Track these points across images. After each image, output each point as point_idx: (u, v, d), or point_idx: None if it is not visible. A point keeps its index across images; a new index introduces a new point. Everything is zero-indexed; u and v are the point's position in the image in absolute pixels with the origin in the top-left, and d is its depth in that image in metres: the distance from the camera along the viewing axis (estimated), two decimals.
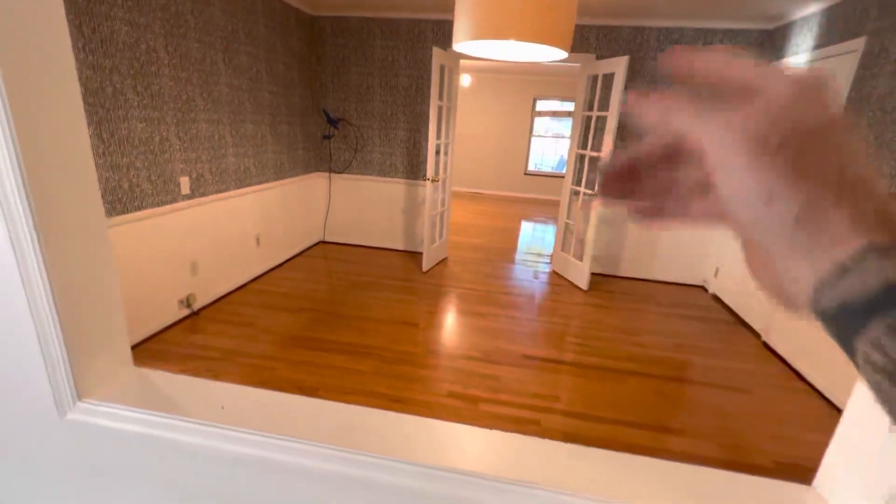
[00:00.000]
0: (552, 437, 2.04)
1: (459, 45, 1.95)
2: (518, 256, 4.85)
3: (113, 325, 0.95)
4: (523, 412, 2.21)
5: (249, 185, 3.45)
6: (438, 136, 3.87)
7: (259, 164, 3.55)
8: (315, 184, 4.53)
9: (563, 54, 1.95)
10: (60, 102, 0.75)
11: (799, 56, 3.10)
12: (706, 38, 3.61)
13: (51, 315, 0.79)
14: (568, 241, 4.22)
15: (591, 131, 3.79)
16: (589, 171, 3.93)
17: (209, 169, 2.98)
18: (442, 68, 3.63)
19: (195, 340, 2.66)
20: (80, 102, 0.77)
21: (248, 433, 0.83)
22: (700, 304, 3.78)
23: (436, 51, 3.41)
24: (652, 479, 0.74)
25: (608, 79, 3.54)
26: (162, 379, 0.97)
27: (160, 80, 2.51)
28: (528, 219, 6.89)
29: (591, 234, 3.77)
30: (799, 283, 0.20)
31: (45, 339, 0.81)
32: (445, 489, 0.76)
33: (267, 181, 3.68)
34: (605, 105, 3.61)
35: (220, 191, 3.10)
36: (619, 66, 3.34)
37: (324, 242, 4.76)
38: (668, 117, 0.23)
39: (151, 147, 2.49)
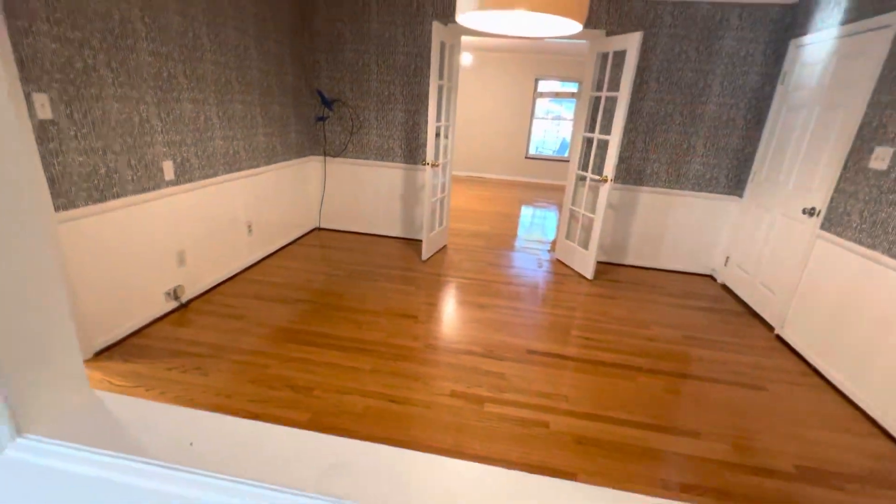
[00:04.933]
0: (562, 441, 1.93)
1: (463, 17, 1.77)
2: (520, 244, 4.70)
3: (62, 341, 0.80)
4: (530, 413, 2.10)
5: (240, 169, 3.27)
6: (438, 119, 3.68)
7: (249, 148, 3.36)
8: (309, 168, 4.35)
9: (578, 27, 1.76)
10: None
11: (824, 33, 2.90)
12: (723, 13, 3.39)
13: None
14: (573, 228, 4.07)
15: (600, 113, 3.60)
16: (596, 156, 3.76)
17: (195, 153, 2.80)
18: (442, 45, 3.41)
19: (183, 335, 2.52)
20: (3, 77, 0.60)
21: (219, 478, 0.69)
22: (709, 293, 3.65)
23: (436, 25, 3.19)
24: None
25: (619, 56, 3.34)
26: (121, 405, 0.82)
27: (137, 56, 2.31)
28: (530, 204, 6.72)
29: (597, 222, 3.62)
30: None
31: None
32: None
33: (258, 165, 3.50)
34: (615, 85, 3.42)
35: (207, 176, 2.93)
36: (631, 42, 3.13)
37: (319, 229, 4.60)
38: None
39: (130, 129, 2.31)
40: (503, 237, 4.88)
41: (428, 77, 3.88)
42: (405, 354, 2.49)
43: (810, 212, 2.81)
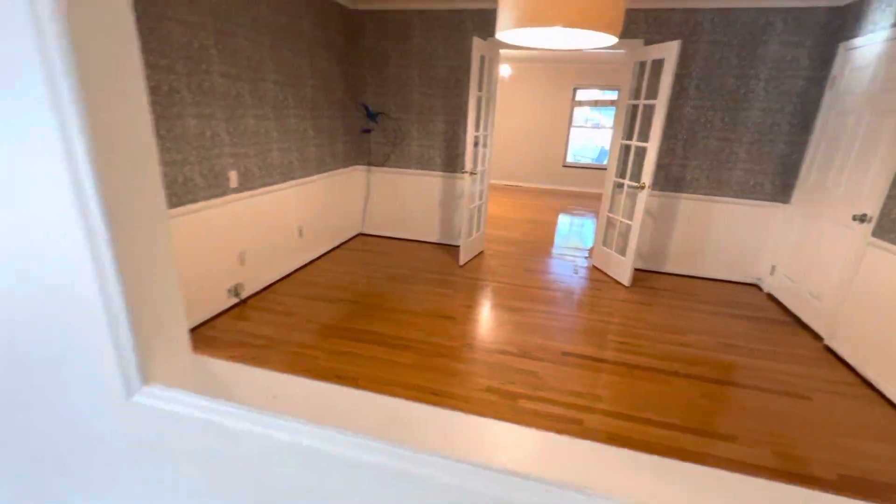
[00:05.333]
0: (595, 438, 1.99)
1: (503, 34, 1.91)
2: (556, 251, 4.75)
3: (173, 312, 0.99)
4: (564, 410, 2.17)
5: (293, 178, 3.55)
6: (477, 129, 3.83)
7: (302, 158, 3.64)
8: (354, 177, 4.61)
9: (612, 39, 1.87)
10: (129, 104, 0.78)
11: (876, 35, 2.83)
12: (767, 18, 3.36)
13: (121, 304, 0.84)
14: (610, 235, 4.09)
15: (638, 120, 3.63)
16: (634, 163, 3.78)
17: (256, 163, 3.08)
18: (482, 59, 3.57)
19: (242, 328, 2.78)
20: (146, 103, 0.80)
21: (299, 423, 0.84)
22: (753, 302, 3.56)
23: (476, 41, 3.36)
24: (708, 490, 0.70)
25: (657, 65, 3.37)
26: (217, 366, 1.01)
27: (211, 78, 2.61)
28: (567, 212, 6.73)
29: (635, 228, 3.63)
30: None
31: (115, 326, 0.86)
32: (490, 489, 0.75)
33: (309, 174, 3.77)
34: (653, 92, 3.45)
35: (266, 184, 3.21)
36: (669, 51, 3.17)
37: (362, 235, 4.85)
38: None
39: (203, 142, 2.61)
40: (539, 244, 4.94)
41: (467, 89, 4.05)
42: (443, 352, 2.63)
43: (861, 218, 2.73)
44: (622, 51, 3.73)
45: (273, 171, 3.29)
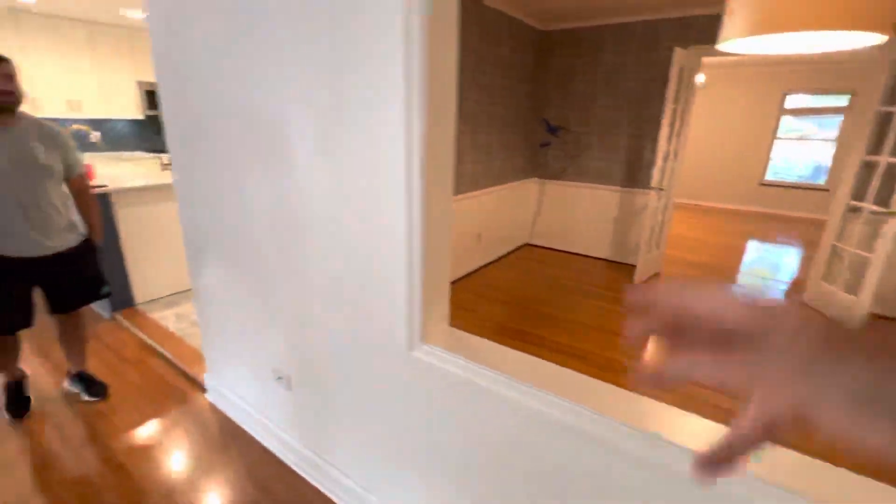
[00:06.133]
0: None
1: (729, 44, 1.80)
2: (745, 279, 4.13)
3: (444, 286, 1.24)
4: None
5: (478, 188, 3.89)
6: (668, 142, 3.61)
7: (487, 171, 3.96)
8: (527, 188, 4.79)
9: (880, 39, 1.60)
10: (445, 125, 1.05)
11: None
12: None
13: (419, 274, 1.10)
14: (835, 268, 3.39)
15: (893, 131, 2.96)
16: (883, 184, 3.07)
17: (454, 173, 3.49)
18: (681, 70, 3.38)
19: None
20: (454, 123, 1.06)
21: (531, 388, 0.99)
22: None
23: (678, 51, 3.20)
24: None
25: None
26: (464, 337, 1.22)
27: None
28: (762, 237, 5.77)
29: (876, 263, 2.95)
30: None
31: (413, 291, 1.13)
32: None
33: (492, 185, 4.08)
34: None
35: (458, 193, 3.60)
36: None
37: (529, 245, 4.99)
38: (702, 373, 0.25)
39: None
40: (725, 270, 4.37)
41: (658, 101, 3.86)
42: (616, 367, 2.56)
43: None
44: (864, 46, 3.09)
45: (465, 182, 3.66)
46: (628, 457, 0.89)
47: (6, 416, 2.00)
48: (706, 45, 3.52)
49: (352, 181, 1.15)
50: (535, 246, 4.96)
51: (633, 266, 4.23)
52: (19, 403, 2.03)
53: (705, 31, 3.57)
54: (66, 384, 2.21)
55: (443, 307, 1.24)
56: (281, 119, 1.27)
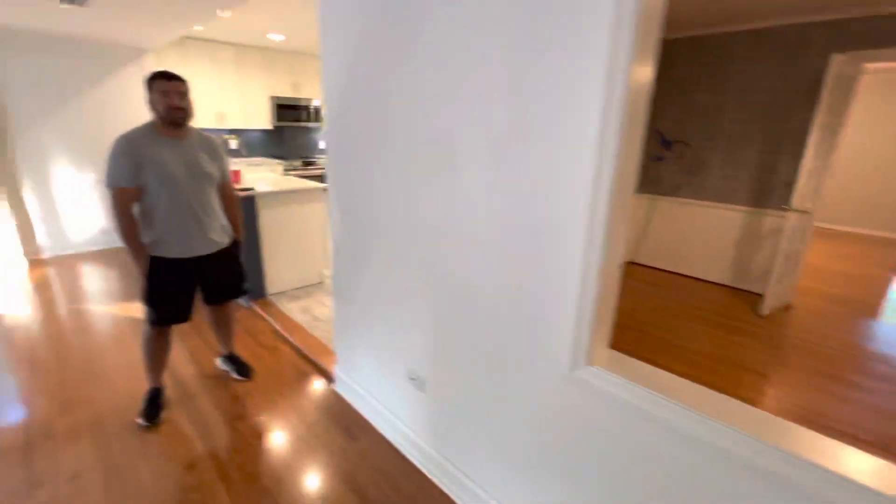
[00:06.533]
0: None
1: None
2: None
3: (611, 305, 1.20)
4: None
5: None
6: (815, 159, 3.22)
7: None
8: (636, 204, 4.55)
9: None
10: (635, 136, 1.03)
11: None
12: None
13: (593, 291, 1.09)
14: None
15: None
16: None
17: None
18: (837, 77, 3.00)
19: None
20: (641, 141, 1.04)
21: (704, 418, 0.92)
22: None
23: (837, 57, 2.85)
24: None
25: None
26: (627, 361, 1.18)
27: None
28: None
29: None
30: None
31: (583, 309, 1.12)
32: None
33: None
34: None
35: None
36: None
37: (633, 263, 4.73)
38: None
39: None
40: (873, 307, 3.76)
41: (800, 113, 3.46)
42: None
43: None
44: None
45: None
46: None
47: (141, 420, 2.03)
48: (867, 48, 3.10)
49: (529, 196, 1.16)
50: (639, 264, 4.69)
51: (757, 294, 3.82)
52: (153, 412, 2.07)
53: (864, 34, 3.14)
54: (219, 363, 2.52)
55: (607, 327, 1.21)
56: (450, 134, 1.33)
